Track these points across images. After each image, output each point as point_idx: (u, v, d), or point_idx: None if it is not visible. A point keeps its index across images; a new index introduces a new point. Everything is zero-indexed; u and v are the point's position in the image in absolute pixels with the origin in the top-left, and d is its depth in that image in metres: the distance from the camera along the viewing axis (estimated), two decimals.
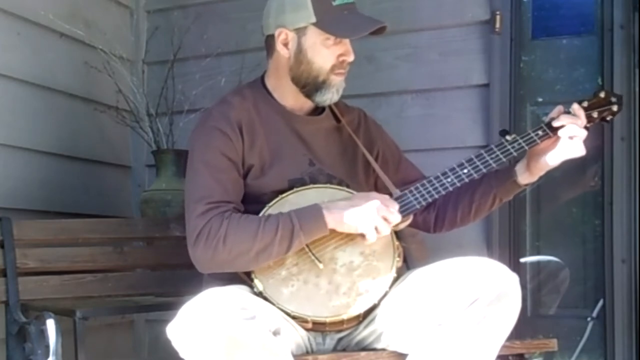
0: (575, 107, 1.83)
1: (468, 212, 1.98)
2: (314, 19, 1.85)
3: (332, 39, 1.86)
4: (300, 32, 1.87)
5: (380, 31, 1.89)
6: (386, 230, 1.77)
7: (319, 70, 1.88)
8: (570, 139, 1.80)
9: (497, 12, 2.58)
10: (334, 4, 1.86)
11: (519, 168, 1.89)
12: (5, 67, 2.47)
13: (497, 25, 2.58)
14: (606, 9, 2.54)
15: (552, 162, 1.83)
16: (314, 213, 1.76)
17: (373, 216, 1.75)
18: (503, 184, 1.91)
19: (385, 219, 1.76)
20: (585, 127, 1.83)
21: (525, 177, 1.89)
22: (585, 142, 1.81)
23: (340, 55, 1.88)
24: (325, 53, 1.87)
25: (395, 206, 1.79)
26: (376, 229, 1.75)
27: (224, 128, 1.85)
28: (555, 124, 1.81)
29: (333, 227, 1.76)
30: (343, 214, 1.75)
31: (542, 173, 1.87)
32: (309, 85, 1.91)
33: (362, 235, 1.77)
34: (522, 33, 2.66)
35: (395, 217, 1.78)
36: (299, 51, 1.88)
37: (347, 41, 1.89)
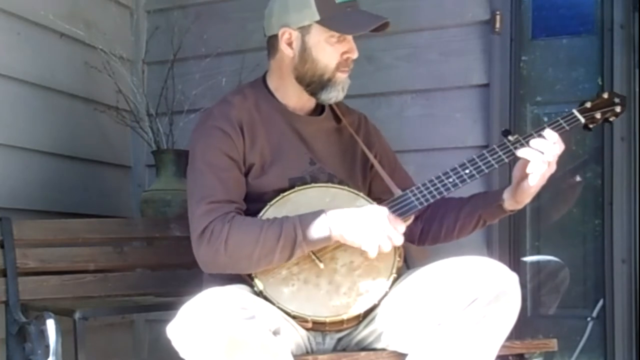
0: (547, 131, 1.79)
1: (452, 229, 1.97)
2: (317, 17, 1.85)
3: (336, 36, 1.87)
4: (304, 30, 1.87)
5: (383, 27, 1.89)
6: (388, 249, 1.74)
7: (324, 69, 1.89)
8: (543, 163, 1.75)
9: (497, 12, 2.58)
10: (337, 1, 1.86)
11: (506, 193, 1.87)
12: (5, 67, 2.47)
13: (497, 25, 2.58)
14: (606, 9, 2.54)
15: (532, 183, 1.78)
16: (319, 224, 1.74)
17: (378, 234, 1.73)
18: (490, 206, 1.90)
19: (390, 239, 1.74)
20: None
21: (511, 203, 1.87)
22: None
23: (345, 52, 1.89)
24: (330, 51, 1.88)
25: (401, 226, 1.76)
26: (379, 246, 1.74)
27: (224, 127, 1.86)
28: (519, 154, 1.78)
29: (337, 239, 1.75)
30: (349, 229, 1.73)
31: (526, 199, 1.84)
32: (314, 84, 1.91)
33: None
34: (522, 33, 2.66)
35: (399, 239, 1.75)
36: (304, 50, 1.88)
37: (350, 38, 1.89)
